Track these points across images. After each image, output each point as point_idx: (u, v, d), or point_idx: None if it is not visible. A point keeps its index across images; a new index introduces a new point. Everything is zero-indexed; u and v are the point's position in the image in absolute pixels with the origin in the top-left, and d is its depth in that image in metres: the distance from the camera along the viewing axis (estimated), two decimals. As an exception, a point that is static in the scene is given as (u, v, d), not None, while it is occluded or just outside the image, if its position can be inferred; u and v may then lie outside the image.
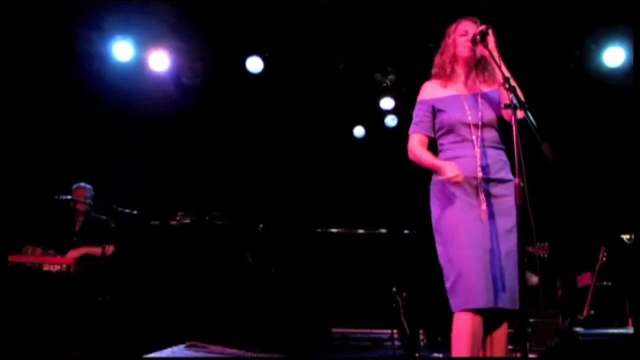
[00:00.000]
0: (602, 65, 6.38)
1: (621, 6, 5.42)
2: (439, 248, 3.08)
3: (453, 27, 3.23)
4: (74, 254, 5.42)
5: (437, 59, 3.26)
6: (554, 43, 6.34)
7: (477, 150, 3.04)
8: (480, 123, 3.07)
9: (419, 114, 3.23)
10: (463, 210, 3.00)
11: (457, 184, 2.97)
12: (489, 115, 3.09)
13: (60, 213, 5.69)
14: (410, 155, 3.22)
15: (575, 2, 5.65)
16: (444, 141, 3.17)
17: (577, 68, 6.54)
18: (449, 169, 2.96)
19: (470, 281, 2.88)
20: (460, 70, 3.21)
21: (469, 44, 3.09)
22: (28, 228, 5.59)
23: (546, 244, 5.31)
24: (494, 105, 3.10)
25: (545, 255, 5.31)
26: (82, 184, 5.77)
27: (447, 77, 3.20)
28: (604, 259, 5.45)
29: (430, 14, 5.49)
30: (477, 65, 3.19)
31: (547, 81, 6.34)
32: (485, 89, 3.16)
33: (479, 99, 3.13)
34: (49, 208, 5.64)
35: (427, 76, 3.33)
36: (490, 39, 3.00)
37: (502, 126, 3.09)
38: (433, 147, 3.25)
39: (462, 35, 3.15)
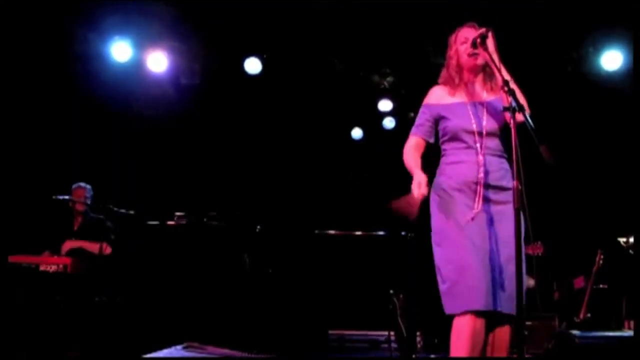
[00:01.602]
0: (599, 68, 6.40)
1: (619, 9, 5.44)
2: (436, 249, 3.07)
3: (453, 37, 3.20)
4: (69, 245, 5.45)
5: (444, 72, 3.24)
6: (552, 46, 6.36)
7: (480, 158, 3.04)
8: (484, 131, 3.06)
9: (422, 117, 3.24)
10: (463, 213, 2.99)
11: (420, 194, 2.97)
12: (493, 124, 3.08)
13: (58, 213, 5.69)
14: (403, 156, 3.24)
15: (573, 4, 5.66)
16: (447, 147, 3.16)
17: (575, 71, 6.56)
18: (414, 183, 2.99)
19: (471, 283, 2.87)
20: (466, 78, 3.18)
21: (471, 49, 3.07)
22: (27, 228, 5.59)
23: (539, 242, 5.31)
24: (499, 114, 3.07)
25: (540, 254, 5.31)
26: (82, 184, 5.77)
27: (455, 85, 3.18)
28: (601, 262, 5.47)
29: (429, 16, 5.51)
30: (483, 72, 3.18)
31: (545, 84, 6.35)
32: (490, 97, 3.15)
33: (484, 107, 3.12)
34: (47, 208, 5.64)
35: (424, 78, 3.32)
36: (490, 42, 3.00)
37: (505, 135, 3.06)
38: (432, 151, 3.25)
39: (463, 42, 3.13)
